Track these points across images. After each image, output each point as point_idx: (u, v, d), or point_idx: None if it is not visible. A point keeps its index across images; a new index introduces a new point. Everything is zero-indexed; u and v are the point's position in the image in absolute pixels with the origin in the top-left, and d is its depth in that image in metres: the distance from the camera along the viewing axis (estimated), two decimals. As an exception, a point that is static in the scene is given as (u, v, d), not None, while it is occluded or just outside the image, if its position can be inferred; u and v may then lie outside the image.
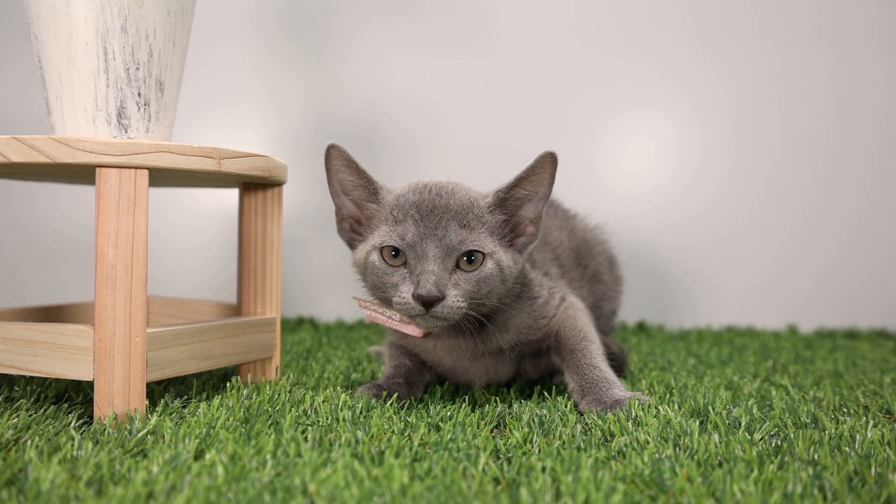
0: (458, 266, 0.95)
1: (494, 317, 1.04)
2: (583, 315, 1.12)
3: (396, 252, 0.96)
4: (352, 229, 1.05)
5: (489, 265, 0.95)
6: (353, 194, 1.04)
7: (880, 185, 2.03)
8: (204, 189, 1.92)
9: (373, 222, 1.01)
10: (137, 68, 1.00)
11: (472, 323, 1.00)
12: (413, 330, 1.00)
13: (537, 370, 1.19)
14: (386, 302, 0.99)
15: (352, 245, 1.06)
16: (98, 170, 0.89)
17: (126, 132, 1.01)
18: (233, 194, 1.93)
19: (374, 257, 0.97)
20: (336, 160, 1.02)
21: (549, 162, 0.97)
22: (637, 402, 0.96)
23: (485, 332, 1.04)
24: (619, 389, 1.00)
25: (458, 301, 0.92)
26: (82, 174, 1.01)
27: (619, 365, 1.21)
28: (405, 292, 0.93)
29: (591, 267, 1.32)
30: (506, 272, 0.98)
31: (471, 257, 0.95)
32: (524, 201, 1.00)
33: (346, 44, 2.05)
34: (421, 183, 1.02)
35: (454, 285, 0.93)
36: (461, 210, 0.97)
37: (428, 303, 0.91)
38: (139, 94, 1.01)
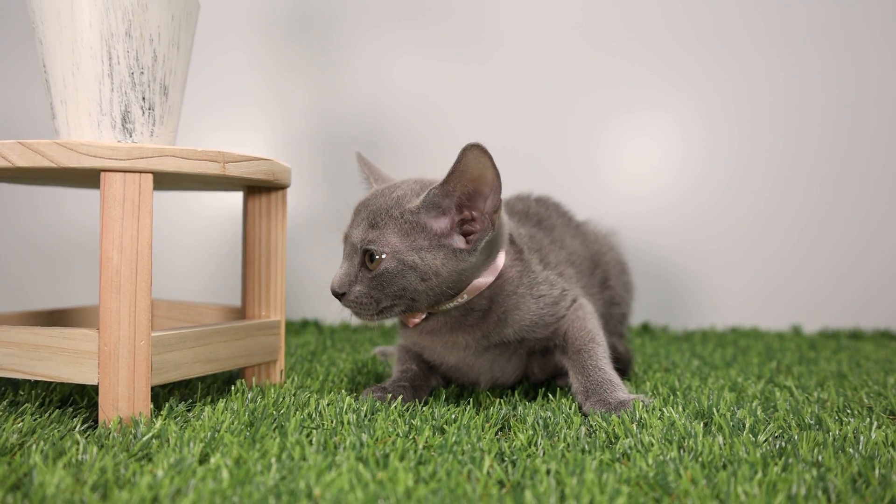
0: (364, 263, 0.99)
1: (491, 310, 1.04)
2: (592, 317, 1.13)
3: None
4: None
5: (387, 264, 0.97)
6: None
7: (885, 187, 2.02)
8: (208, 192, 1.93)
9: None
10: (142, 72, 1.00)
11: (461, 316, 1.04)
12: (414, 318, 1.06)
13: (545, 371, 1.19)
14: None
15: None
16: (103, 174, 0.89)
17: (130, 136, 1.01)
18: (237, 197, 1.94)
19: None
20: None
21: (474, 154, 0.93)
22: (641, 403, 0.96)
23: (483, 327, 1.05)
24: (622, 392, 1.01)
25: (359, 297, 0.98)
26: (87, 178, 1.02)
27: (623, 366, 1.21)
28: None
29: (601, 272, 1.32)
30: (423, 270, 0.97)
31: (372, 256, 0.98)
32: (474, 196, 0.97)
33: (350, 47, 2.05)
34: (391, 182, 1.08)
35: (359, 282, 0.99)
36: (379, 210, 1.00)
37: (338, 295, 0.99)
38: (143, 99, 1.01)
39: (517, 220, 1.24)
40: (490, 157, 0.93)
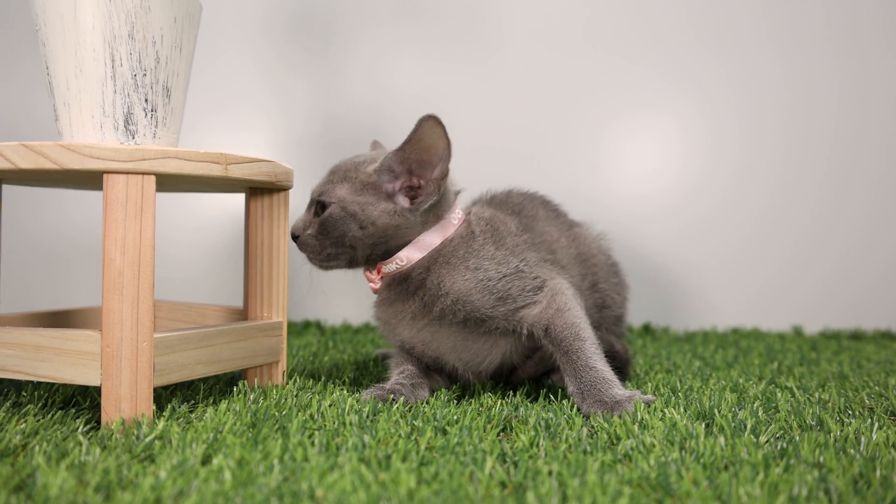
0: (317, 212, 1.11)
1: (428, 278, 1.09)
2: (571, 302, 1.09)
3: None
4: None
5: (332, 210, 1.08)
6: None
7: (886, 188, 2.02)
8: (210, 194, 1.93)
9: None
10: (144, 74, 1.00)
11: (402, 281, 1.10)
12: (372, 280, 1.14)
13: (528, 367, 1.18)
14: None
15: None
16: (105, 176, 0.89)
17: (133, 138, 1.01)
18: (239, 199, 1.94)
19: None
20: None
21: (430, 125, 1.03)
22: (643, 404, 0.96)
23: (423, 295, 1.09)
24: (618, 389, 1.00)
25: (308, 239, 1.11)
26: (90, 180, 1.02)
27: (621, 366, 1.20)
28: None
29: (590, 275, 1.31)
30: (361, 219, 1.07)
31: (323, 206, 1.10)
32: (424, 164, 1.07)
33: (351, 47, 2.05)
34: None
35: (311, 227, 1.11)
36: (338, 169, 1.13)
37: (294, 237, 1.13)
38: (146, 100, 1.01)
39: (496, 208, 1.24)
40: (444, 129, 1.03)
